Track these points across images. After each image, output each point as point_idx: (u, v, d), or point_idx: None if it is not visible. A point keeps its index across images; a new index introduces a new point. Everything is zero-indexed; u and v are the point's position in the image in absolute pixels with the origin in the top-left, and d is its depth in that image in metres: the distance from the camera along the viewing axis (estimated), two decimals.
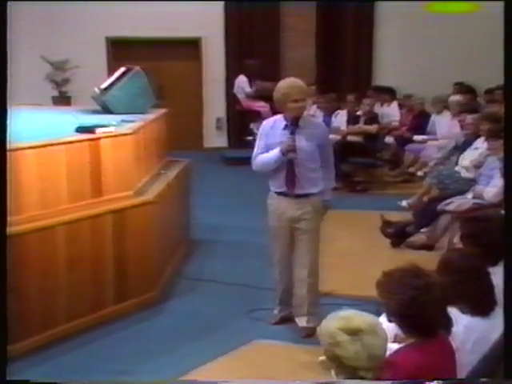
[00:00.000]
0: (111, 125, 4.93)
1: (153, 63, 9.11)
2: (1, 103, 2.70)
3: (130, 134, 4.92)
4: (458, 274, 2.87)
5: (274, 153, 4.23)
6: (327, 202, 4.44)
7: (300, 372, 3.89)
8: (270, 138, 4.29)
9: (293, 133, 4.19)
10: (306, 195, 4.28)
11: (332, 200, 4.50)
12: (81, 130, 4.79)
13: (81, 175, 4.54)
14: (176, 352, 4.21)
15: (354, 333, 2.13)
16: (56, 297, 4.31)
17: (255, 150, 4.37)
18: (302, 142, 4.20)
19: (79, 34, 10.64)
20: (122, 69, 6.25)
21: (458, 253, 3.16)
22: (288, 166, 4.23)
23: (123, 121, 5.27)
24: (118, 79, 6.12)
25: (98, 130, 4.72)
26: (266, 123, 4.42)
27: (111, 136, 4.76)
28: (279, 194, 4.34)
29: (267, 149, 4.29)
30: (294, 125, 4.21)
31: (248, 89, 10.52)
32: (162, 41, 10.94)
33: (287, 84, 4.26)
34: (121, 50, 10.83)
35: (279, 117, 4.32)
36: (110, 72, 7.16)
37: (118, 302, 4.71)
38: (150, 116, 5.81)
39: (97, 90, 6.22)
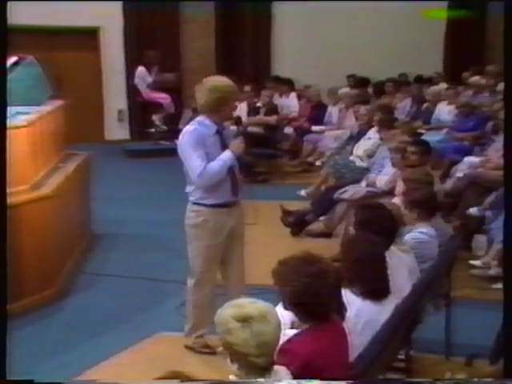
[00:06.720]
0: None
1: (48, 53, 8.82)
2: (1, 100, 2.85)
3: (26, 126, 4.77)
4: (358, 257, 2.98)
5: (227, 156, 3.81)
6: None
7: (203, 363, 3.95)
8: (207, 147, 3.80)
9: (222, 137, 3.87)
10: (238, 202, 4.05)
11: None
12: None
13: None
14: (76, 349, 4.15)
15: (245, 320, 2.17)
16: None
17: (195, 163, 3.74)
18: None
19: None
20: (14, 58, 6.01)
21: (360, 237, 3.27)
22: (230, 172, 3.89)
23: (18, 113, 5.08)
24: (10, 69, 5.88)
25: None
26: (198, 131, 3.82)
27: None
28: (219, 206, 3.89)
29: (209, 159, 3.79)
30: (222, 128, 3.91)
31: (148, 80, 10.41)
32: (57, 30, 10.58)
33: (227, 85, 3.81)
34: (12, 39, 10.28)
35: (202, 120, 3.85)
36: None
37: (15, 301, 4.54)
38: (47, 108, 5.64)
39: None
